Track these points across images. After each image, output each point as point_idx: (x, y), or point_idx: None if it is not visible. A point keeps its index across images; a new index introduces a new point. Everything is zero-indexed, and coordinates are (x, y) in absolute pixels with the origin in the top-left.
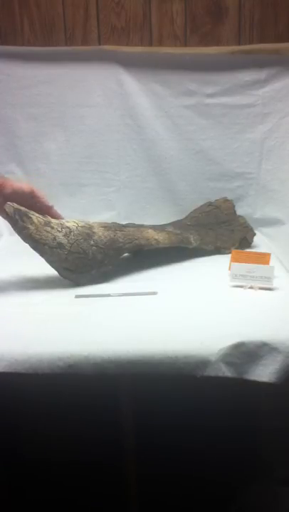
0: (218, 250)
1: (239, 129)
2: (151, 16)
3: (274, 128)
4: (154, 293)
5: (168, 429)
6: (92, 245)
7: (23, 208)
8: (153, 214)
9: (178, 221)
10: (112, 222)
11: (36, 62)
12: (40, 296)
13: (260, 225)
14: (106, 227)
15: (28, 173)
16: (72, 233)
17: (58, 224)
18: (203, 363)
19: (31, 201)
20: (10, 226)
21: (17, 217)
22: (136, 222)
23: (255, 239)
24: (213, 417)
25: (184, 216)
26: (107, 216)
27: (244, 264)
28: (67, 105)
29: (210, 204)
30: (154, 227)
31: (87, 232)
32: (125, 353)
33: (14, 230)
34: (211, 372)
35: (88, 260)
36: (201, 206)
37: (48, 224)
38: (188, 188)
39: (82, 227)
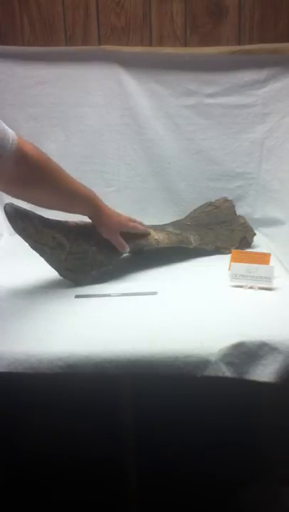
0: (218, 250)
1: (239, 129)
2: (151, 16)
3: (274, 128)
4: (154, 293)
5: (168, 427)
6: (92, 245)
7: (22, 208)
8: (153, 214)
9: (178, 221)
10: None
11: (36, 62)
12: (40, 296)
13: (260, 225)
14: None
15: None
16: (72, 233)
17: (58, 224)
18: (203, 363)
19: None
20: (10, 226)
21: (17, 217)
22: None
23: (255, 239)
24: (214, 417)
25: (183, 216)
26: None
27: (244, 264)
28: (67, 105)
29: (210, 204)
30: (154, 227)
31: (87, 232)
32: (125, 353)
33: (14, 230)
34: (211, 372)
35: (88, 260)
36: (201, 206)
37: (48, 224)
38: (188, 188)
39: (82, 227)
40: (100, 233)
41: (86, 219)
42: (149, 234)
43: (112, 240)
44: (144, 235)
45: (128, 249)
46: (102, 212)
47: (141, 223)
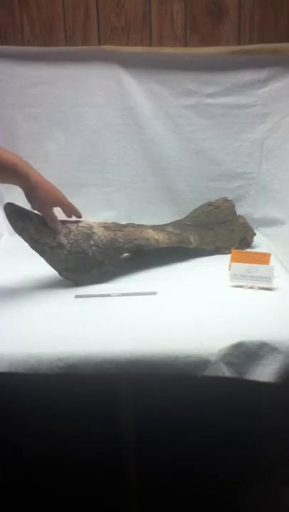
0: (218, 250)
1: (239, 129)
2: (151, 16)
3: (274, 128)
4: (154, 293)
5: (168, 427)
6: (92, 245)
7: (23, 208)
8: (153, 214)
9: (178, 221)
10: (112, 222)
11: (36, 62)
12: (40, 296)
13: (260, 225)
14: (106, 227)
15: None
16: (72, 233)
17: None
18: (203, 363)
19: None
20: (10, 226)
21: (17, 217)
22: (136, 222)
23: (255, 239)
24: (213, 417)
25: (184, 216)
26: (107, 216)
27: (244, 264)
28: (67, 105)
29: (210, 204)
30: (154, 227)
31: (87, 232)
32: (125, 353)
33: (14, 230)
34: (211, 372)
35: (88, 260)
36: (201, 206)
37: (48, 224)
38: (188, 188)
39: (82, 227)
40: (32, 207)
41: (86, 219)
42: (80, 220)
43: (41, 212)
44: (75, 221)
45: (60, 228)
46: (32, 181)
47: (78, 212)
